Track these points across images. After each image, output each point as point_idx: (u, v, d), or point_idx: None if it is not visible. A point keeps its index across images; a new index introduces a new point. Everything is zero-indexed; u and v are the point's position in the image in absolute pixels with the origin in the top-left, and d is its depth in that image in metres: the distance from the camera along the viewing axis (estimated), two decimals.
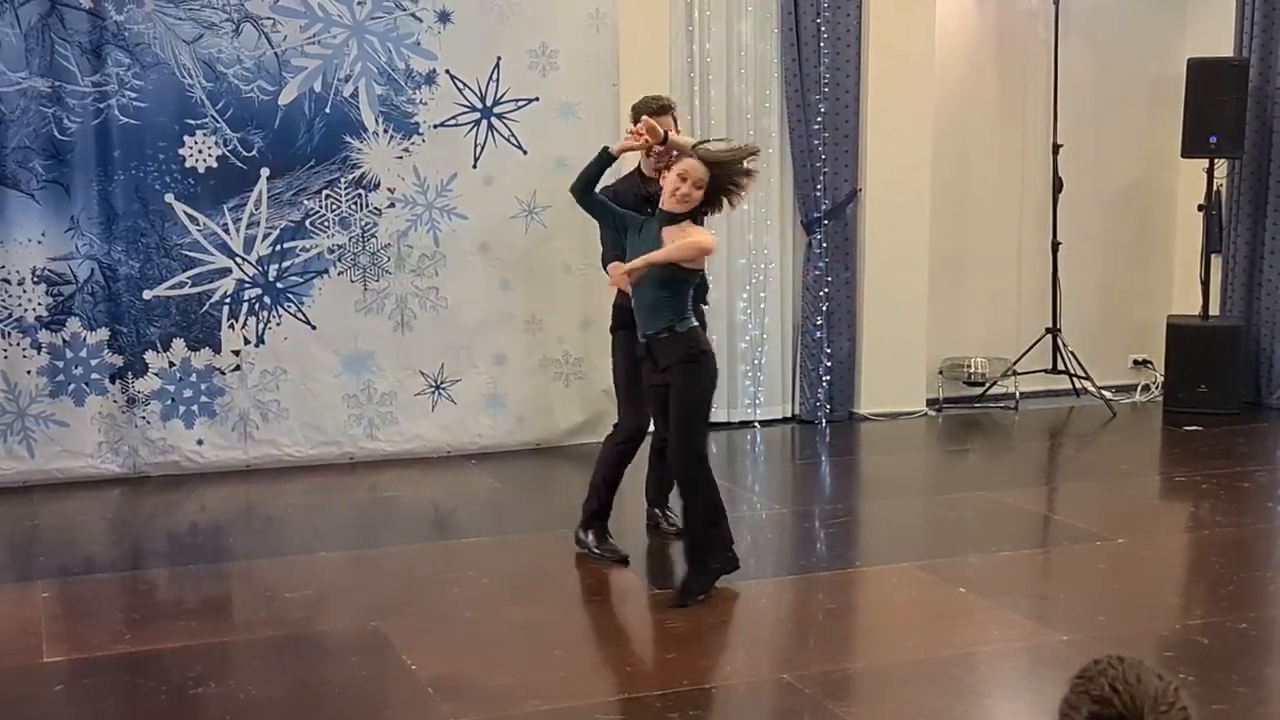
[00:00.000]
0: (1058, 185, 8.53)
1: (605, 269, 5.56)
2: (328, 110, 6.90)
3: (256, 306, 6.94)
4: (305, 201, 6.94)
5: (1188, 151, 8.32)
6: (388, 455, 7.18)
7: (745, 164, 4.93)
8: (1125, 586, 5.24)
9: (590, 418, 7.51)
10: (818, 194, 7.97)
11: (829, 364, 8.08)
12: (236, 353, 6.92)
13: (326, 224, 6.99)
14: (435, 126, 7.11)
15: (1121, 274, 9.08)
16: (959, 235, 8.57)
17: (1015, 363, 8.55)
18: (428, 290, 7.20)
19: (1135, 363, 9.10)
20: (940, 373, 8.56)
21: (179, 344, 6.83)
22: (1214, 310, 8.56)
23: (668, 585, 5.17)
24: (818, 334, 8.05)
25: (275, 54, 6.80)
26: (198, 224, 6.78)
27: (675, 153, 5.06)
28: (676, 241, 4.83)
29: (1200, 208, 8.57)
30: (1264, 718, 4.00)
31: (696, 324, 5.04)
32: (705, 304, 5.73)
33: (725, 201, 4.96)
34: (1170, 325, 8.48)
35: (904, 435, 7.98)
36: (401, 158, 7.06)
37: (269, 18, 6.77)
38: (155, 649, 4.54)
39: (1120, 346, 9.06)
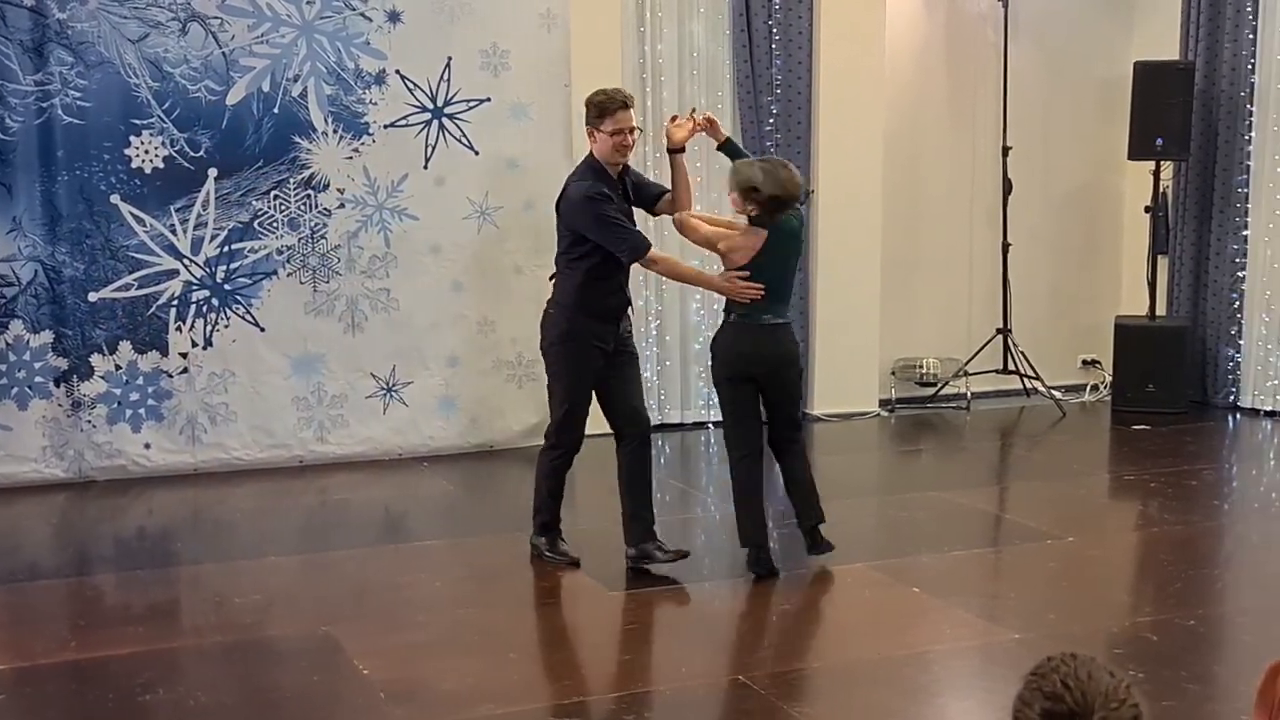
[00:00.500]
0: (1007, 187, 8.60)
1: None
2: (276, 110, 6.84)
3: (204, 308, 6.87)
4: (254, 202, 6.87)
5: (1134, 154, 8.40)
6: (338, 458, 7.13)
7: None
8: (1075, 585, 5.28)
9: (543, 419, 7.46)
10: None
11: None
12: (184, 355, 6.85)
13: (275, 225, 6.93)
14: (385, 127, 7.06)
15: (1070, 275, 9.16)
16: (911, 237, 8.62)
17: (966, 363, 8.61)
18: (379, 292, 7.15)
19: (1084, 363, 9.18)
20: (893, 373, 8.60)
21: (125, 347, 6.75)
22: (1161, 311, 8.65)
23: (620, 587, 5.16)
24: None
25: (223, 53, 6.74)
26: (144, 225, 6.70)
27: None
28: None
29: (1147, 210, 8.66)
30: (1212, 714, 4.04)
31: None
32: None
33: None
34: (1118, 326, 8.56)
35: (857, 436, 8.01)
36: (351, 158, 7.01)
37: (216, 17, 6.70)
38: (102, 656, 4.47)
39: (1069, 347, 9.14)
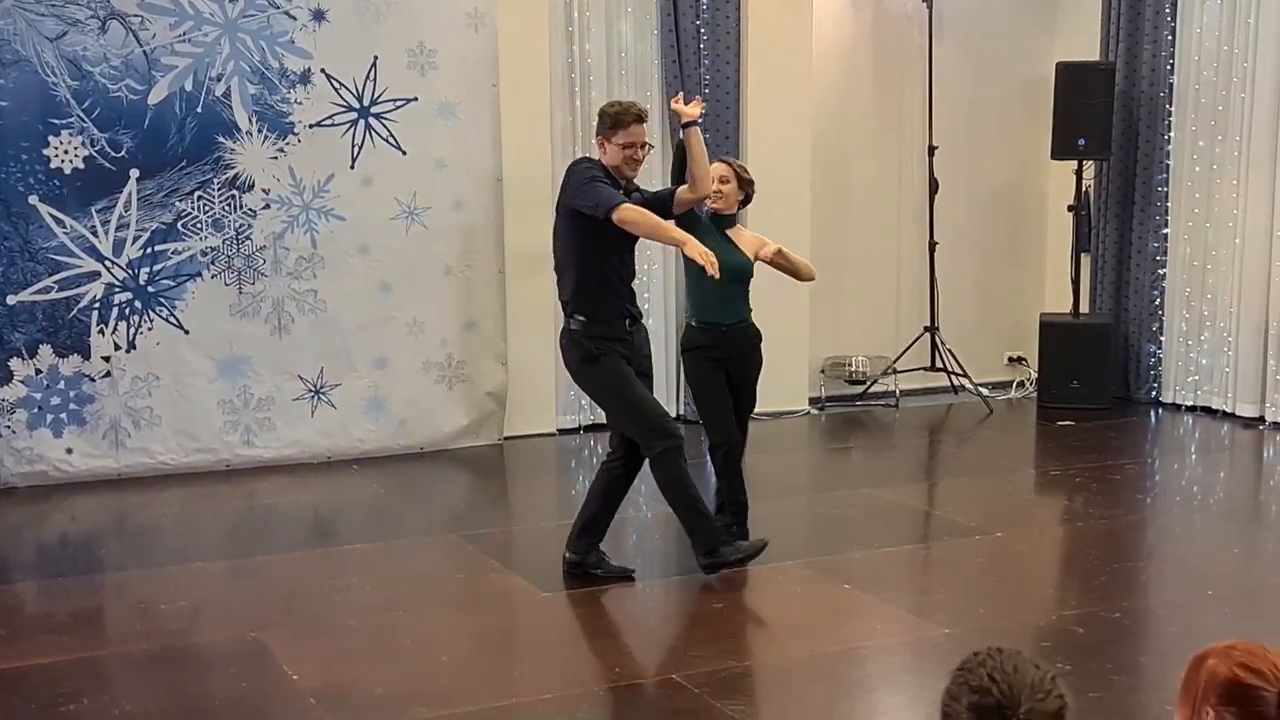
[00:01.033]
0: (934, 186, 8.69)
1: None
2: (199, 110, 6.74)
3: (127, 311, 6.75)
4: (177, 203, 6.77)
5: (1057, 153, 8.52)
6: (266, 462, 7.04)
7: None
8: (1003, 579, 5.35)
9: (473, 421, 7.45)
10: None
11: None
12: (107, 359, 6.73)
13: (199, 226, 6.83)
14: (311, 126, 6.99)
15: (996, 273, 9.27)
16: (839, 236, 8.68)
17: (895, 361, 8.68)
18: (305, 293, 7.07)
19: (1010, 360, 9.29)
20: (822, 372, 8.66)
21: (46, 350, 6.62)
22: (1084, 308, 8.78)
23: (553, 588, 5.15)
24: None
25: (144, 52, 6.63)
26: (64, 227, 6.58)
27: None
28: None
29: (1070, 208, 8.78)
30: (1138, 704, 4.11)
31: None
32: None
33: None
34: (1043, 323, 8.67)
35: (787, 434, 8.05)
36: (276, 158, 6.93)
37: (136, 15, 6.59)
38: (23, 665, 4.38)
39: (995, 344, 9.24)
